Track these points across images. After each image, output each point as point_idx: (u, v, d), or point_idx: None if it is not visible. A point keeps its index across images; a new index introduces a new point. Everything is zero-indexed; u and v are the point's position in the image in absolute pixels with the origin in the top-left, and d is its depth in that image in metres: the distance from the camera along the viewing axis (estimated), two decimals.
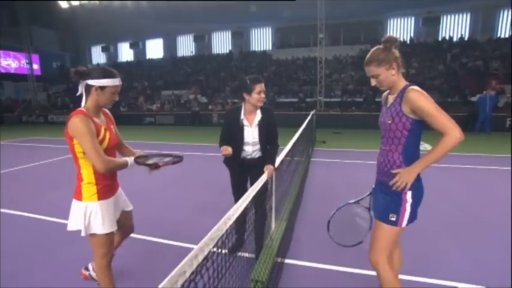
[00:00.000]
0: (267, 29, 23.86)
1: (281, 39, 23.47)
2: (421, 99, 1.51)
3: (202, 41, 24.79)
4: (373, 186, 1.90)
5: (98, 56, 28.12)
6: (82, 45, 27.71)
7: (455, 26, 20.24)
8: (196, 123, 14.79)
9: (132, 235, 3.09)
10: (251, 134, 2.42)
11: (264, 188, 2.31)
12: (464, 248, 2.77)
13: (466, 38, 19.07)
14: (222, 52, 24.49)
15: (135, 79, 22.41)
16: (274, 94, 17.27)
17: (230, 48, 24.41)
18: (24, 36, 19.28)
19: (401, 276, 2.25)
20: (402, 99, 1.57)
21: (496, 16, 19.01)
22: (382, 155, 1.71)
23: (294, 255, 2.66)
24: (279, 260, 2.48)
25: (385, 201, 1.68)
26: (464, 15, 19.95)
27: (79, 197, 1.75)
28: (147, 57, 26.33)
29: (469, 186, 4.70)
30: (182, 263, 0.98)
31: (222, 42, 25.16)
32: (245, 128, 2.42)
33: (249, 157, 2.48)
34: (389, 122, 1.63)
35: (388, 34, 1.64)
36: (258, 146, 2.45)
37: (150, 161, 1.85)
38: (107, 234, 1.79)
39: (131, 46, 26.41)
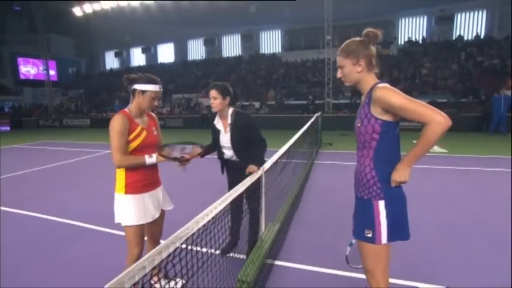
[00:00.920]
0: (277, 31, 23.92)
1: (290, 42, 23.46)
2: (388, 95, 1.37)
3: (212, 44, 25.11)
4: None
5: (112, 61, 28.91)
6: (96, 51, 28.59)
7: (470, 24, 19.67)
8: (205, 126, 14.93)
9: None
10: (225, 138, 2.50)
11: (254, 189, 2.32)
12: (462, 253, 2.68)
13: (481, 36, 18.50)
14: (232, 55, 24.70)
15: None
16: (283, 96, 17.25)
17: (240, 51, 24.60)
18: (41, 44, 20.07)
19: (401, 282, 2.22)
20: (370, 100, 1.43)
21: None
22: (357, 162, 1.57)
23: (285, 257, 2.65)
24: (269, 261, 2.48)
25: (359, 216, 1.53)
26: (480, 13, 19.37)
27: (115, 189, 1.95)
28: (159, 61, 26.87)
29: (482, 190, 4.52)
30: (143, 258, 1.01)
31: (231, 46, 25.40)
32: (220, 132, 2.51)
33: (233, 159, 2.52)
34: (359, 125, 1.51)
35: (371, 29, 1.46)
36: (232, 151, 2.49)
37: (175, 154, 1.91)
38: (134, 226, 1.89)
39: (143, 51, 27.05)
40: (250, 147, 2.45)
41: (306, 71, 19.60)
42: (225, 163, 2.63)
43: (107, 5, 17.54)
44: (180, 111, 17.32)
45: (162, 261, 1.09)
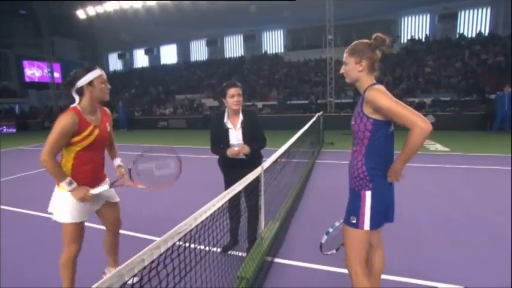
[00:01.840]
0: (279, 31, 23.92)
1: (292, 42, 23.46)
2: (378, 97, 1.46)
3: (214, 45, 25.20)
4: None
5: (115, 63, 29.14)
6: (100, 52, 28.84)
7: (474, 21, 19.51)
8: (208, 127, 15.02)
9: (133, 233, 3.23)
10: (235, 136, 2.53)
11: (252, 188, 2.36)
12: (465, 251, 2.69)
13: (485, 34, 18.33)
14: (235, 56, 24.76)
15: (150, 84, 23.04)
16: (285, 96, 17.26)
17: (242, 51, 24.65)
18: (46, 47, 20.30)
19: (399, 278, 2.24)
20: (363, 100, 1.54)
21: None
22: (351, 156, 1.70)
23: (285, 255, 2.68)
24: (268, 258, 2.52)
25: (348, 204, 1.66)
26: (484, 10, 19.20)
27: (57, 184, 1.89)
28: (162, 62, 27.03)
29: (485, 189, 4.50)
30: (142, 251, 1.05)
31: (234, 46, 25.46)
32: (230, 130, 2.53)
33: (239, 156, 2.55)
34: (353, 123, 1.63)
35: (380, 35, 1.55)
36: None
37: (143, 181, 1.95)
38: (73, 224, 1.89)
39: (146, 52, 27.23)
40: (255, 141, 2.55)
41: (309, 71, 19.60)
42: (223, 162, 2.66)
43: (110, 7, 17.69)
44: (183, 112, 17.40)
45: (160, 255, 1.13)
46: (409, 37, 20.37)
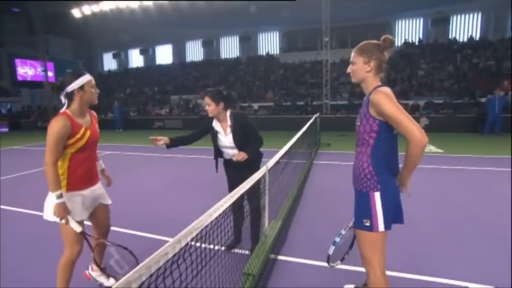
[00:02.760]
0: (274, 33, 24.05)
1: (288, 43, 23.62)
2: (382, 101, 1.47)
3: (210, 46, 25.20)
4: None
5: (110, 63, 28.91)
6: (94, 52, 28.58)
7: (465, 26, 19.93)
8: None
9: (136, 232, 3.26)
10: (226, 139, 2.61)
11: (256, 187, 2.42)
12: (461, 248, 2.80)
13: (477, 38, 18.76)
14: (230, 57, 24.81)
15: (145, 84, 22.94)
16: (281, 98, 17.37)
17: (238, 53, 24.71)
18: (40, 45, 20.06)
19: (398, 274, 2.32)
20: (369, 101, 1.54)
21: (509, 14, 18.61)
22: (356, 158, 1.71)
23: (288, 253, 2.75)
24: (272, 256, 2.58)
25: (358, 208, 1.66)
26: (475, 15, 19.63)
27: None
28: (157, 62, 26.91)
29: (478, 189, 4.64)
30: (165, 245, 1.10)
31: (230, 47, 25.50)
32: (219, 134, 2.63)
33: (234, 158, 2.62)
34: (358, 123, 1.64)
35: (389, 37, 1.58)
36: (235, 150, 2.59)
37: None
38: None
39: (141, 52, 27.09)
40: (248, 143, 2.60)
41: (304, 73, 19.76)
42: (225, 163, 2.75)
43: (105, 7, 17.58)
44: (179, 113, 17.37)
45: (181, 249, 1.18)
46: (403, 40, 20.70)
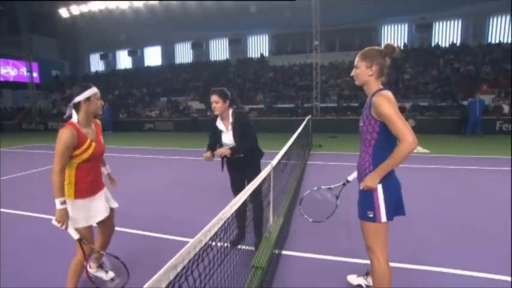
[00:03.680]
0: (264, 36, 24.28)
1: (277, 46, 23.87)
2: (382, 104, 1.59)
3: (200, 48, 25.16)
4: (348, 178, 2.15)
5: (97, 64, 28.39)
6: (81, 53, 27.98)
7: (447, 32, 20.77)
8: (196, 129, 15.01)
9: (137, 231, 3.31)
10: (227, 137, 2.75)
11: (260, 186, 2.54)
12: (451, 240, 3.00)
13: (457, 44, 19.57)
14: (220, 59, 24.86)
15: (134, 86, 22.67)
16: (271, 100, 17.56)
17: (227, 55, 24.79)
18: (25, 45, 19.51)
19: (396, 265, 2.48)
20: (371, 103, 1.67)
21: (486, 22, 19.56)
22: (359, 157, 1.85)
23: (290, 247, 2.87)
24: (276, 251, 2.70)
25: (362, 200, 1.80)
26: (456, 22, 20.49)
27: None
28: (146, 64, 26.63)
29: (462, 186, 4.91)
30: (188, 245, 1.16)
31: (219, 49, 25.54)
32: (222, 132, 2.77)
33: (236, 156, 2.74)
34: (361, 124, 1.78)
35: (391, 44, 1.70)
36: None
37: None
38: (84, 228, 2.04)
39: (129, 54, 26.73)
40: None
41: (294, 75, 20.04)
42: (226, 161, 2.86)
43: (94, 7, 17.31)
44: (169, 115, 17.27)
45: (201, 248, 1.24)
46: None
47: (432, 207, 3.92)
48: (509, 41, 17.82)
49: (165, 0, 17.33)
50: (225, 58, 24.54)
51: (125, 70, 26.44)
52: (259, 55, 23.59)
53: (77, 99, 2.00)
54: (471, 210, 3.77)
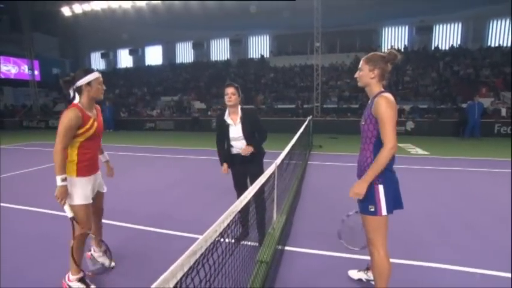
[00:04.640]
0: (265, 36, 24.37)
1: (278, 47, 23.97)
2: (381, 105, 1.71)
3: (201, 48, 25.24)
4: None
5: (98, 63, 28.43)
6: (82, 51, 28.03)
7: (447, 35, 20.90)
8: (196, 129, 15.09)
9: (143, 227, 3.38)
10: (235, 130, 2.85)
11: (264, 184, 2.62)
12: (449, 238, 3.09)
13: (457, 47, 19.70)
14: (221, 59, 24.94)
15: (135, 85, 22.73)
16: (272, 100, 17.65)
17: (228, 55, 24.88)
18: (26, 43, 19.56)
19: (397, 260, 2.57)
20: (373, 104, 1.80)
21: (486, 26, 19.69)
22: (360, 154, 1.95)
23: (293, 243, 2.96)
24: (279, 247, 2.78)
25: (364, 196, 1.85)
26: (456, 25, 20.62)
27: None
28: (146, 63, 26.69)
29: (460, 187, 5.01)
30: (195, 244, 1.21)
31: (220, 50, 25.62)
32: (230, 126, 2.86)
33: (242, 153, 2.82)
34: (363, 123, 1.89)
35: (394, 51, 1.82)
36: (243, 141, 2.83)
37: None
38: (85, 205, 2.15)
39: (130, 53, 26.79)
40: (255, 136, 2.87)
41: (294, 76, 20.13)
42: (231, 158, 2.94)
43: (97, 6, 17.38)
44: (170, 114, 17.34)
45: (210, 243, 1.33)
46: (389, 46, 21.44)
47: (431, 207, 4.01)
48: (509, 44, 17.95)
49: (167, 0, 17.40)
50: (226, 58, 24.62)
51: (126, 69, 26.51)
52: (260, 56, 23.68)
53: (79, 83, 2.08)
54: (469, 210, 3.87)
